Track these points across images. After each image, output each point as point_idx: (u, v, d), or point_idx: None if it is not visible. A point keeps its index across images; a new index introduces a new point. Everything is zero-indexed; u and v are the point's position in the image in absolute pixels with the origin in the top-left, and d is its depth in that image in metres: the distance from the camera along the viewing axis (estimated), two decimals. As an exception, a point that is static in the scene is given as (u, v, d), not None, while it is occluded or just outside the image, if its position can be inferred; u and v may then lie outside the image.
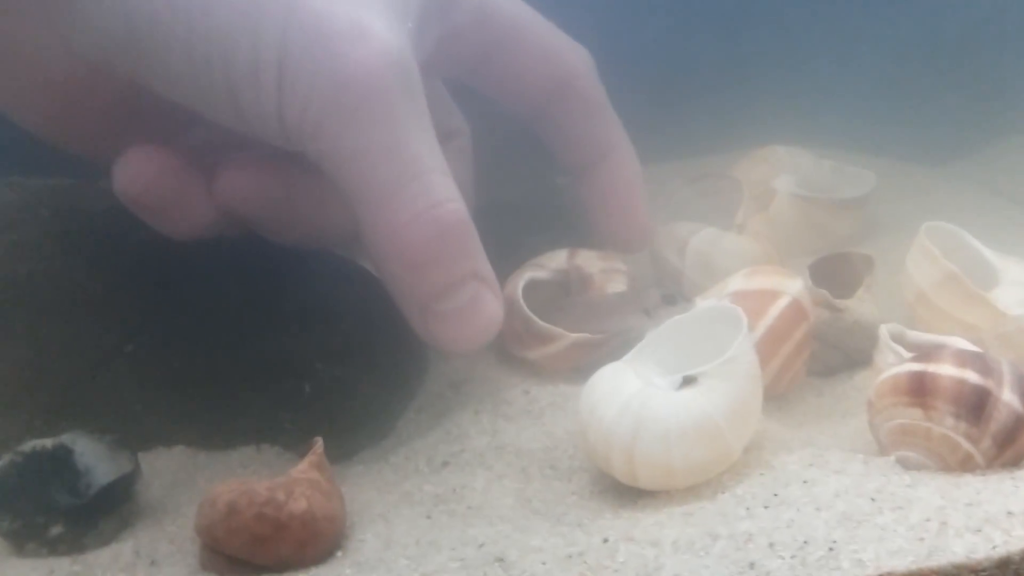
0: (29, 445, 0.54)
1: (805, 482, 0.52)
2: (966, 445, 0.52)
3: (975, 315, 0.65)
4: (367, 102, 0.55)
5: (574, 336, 0.67)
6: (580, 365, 0.68)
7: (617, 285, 0.70)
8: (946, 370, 0.52)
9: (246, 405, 0.62)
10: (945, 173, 1.01)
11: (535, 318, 0.67)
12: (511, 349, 0.69)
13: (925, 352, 0.55)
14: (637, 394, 0.55)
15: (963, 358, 0.53)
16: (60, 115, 0.63)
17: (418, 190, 0.56)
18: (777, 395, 0.64)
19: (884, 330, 0.59)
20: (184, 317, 0.63)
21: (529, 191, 0.84)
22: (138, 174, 0.60)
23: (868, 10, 1.01)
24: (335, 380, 0.62)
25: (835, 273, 0.69)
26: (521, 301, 0.68)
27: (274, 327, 0.63)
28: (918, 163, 1.01)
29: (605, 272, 0.71)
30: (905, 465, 0.54)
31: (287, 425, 0.62)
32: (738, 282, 0.65)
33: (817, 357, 0.66)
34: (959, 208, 0.85)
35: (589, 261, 0.72)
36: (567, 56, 0.70)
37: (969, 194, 0.94)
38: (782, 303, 0.63)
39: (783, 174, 0.84)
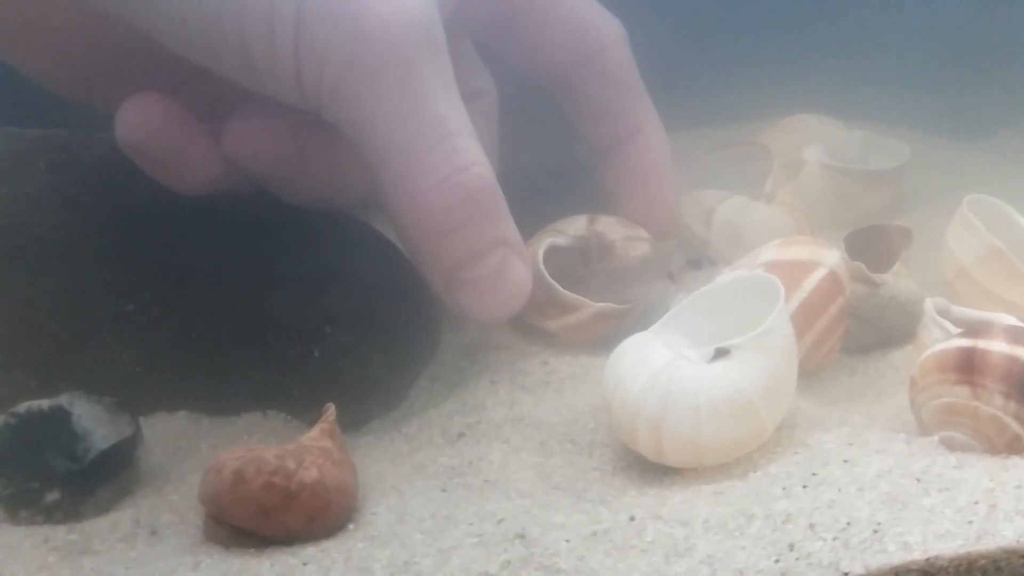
0: (24, 406, 0.51)
1: (845, 461, 0.49)
2: (1015, 426, 0.49)
3: (1018, 293, 0.62)
4: (389, 62, 0.52)
5: (598, 305, 0.64)
6: (602, 336, 0.65)
7: (639, 252, 0.67)
8: (998, 347, 0.49)
9: (252, 369, 0.59)
10: (978, 147, 0.98)
11: (557, 286, 0.64)
12: (530, 319, 0.66)
13: (974, 328, 0.52)
14: (666, 366, 0.52)
15: (1016, 335, 0.50)
16: (63, 62, 0.60)
17: (442, 154, 0.54)
18: (808, 372, 0.61)
19: (930, 304, 0.56)
20: (188, 277, 0.60)
21: (551, 156, 0.81)
22: (142, 122, 0.57)
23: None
24: (345, 345, 0.59)
25: (870, 245, 0.66)
26: (542, 268, 0.65)
27: (282, 289, 0.60)
28: (950, 137, 0.97)
29: (627, 239, 0.68)
30: (949, 446, 0.51)
31: (294, 391, 0.59)
32: (771, 252, 0.61)
33: (850, 334, 0.63)
34: (995, 182, 0.82)
35: (610, 227, 0.68)
36: (598, 25, 0.67)
37: (1005, 168, 0.91)
38: (819, 274, 0.59)
39: (813, 143, 0.81)
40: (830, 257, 0.60)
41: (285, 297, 0.60)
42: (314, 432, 0.49)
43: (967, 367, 0.49)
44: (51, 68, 0.60)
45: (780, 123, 0.86)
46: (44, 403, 0.51)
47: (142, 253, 0.61)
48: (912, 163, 0.83)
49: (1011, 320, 0.55)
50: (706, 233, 0.71)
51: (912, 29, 0.97)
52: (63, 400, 0.51)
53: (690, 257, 0.66)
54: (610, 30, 0.67)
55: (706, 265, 0.66)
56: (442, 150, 0.54)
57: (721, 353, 0.53)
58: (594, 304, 0.64)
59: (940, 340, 0.53)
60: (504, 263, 0.57)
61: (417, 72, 0.53)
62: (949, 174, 0.89)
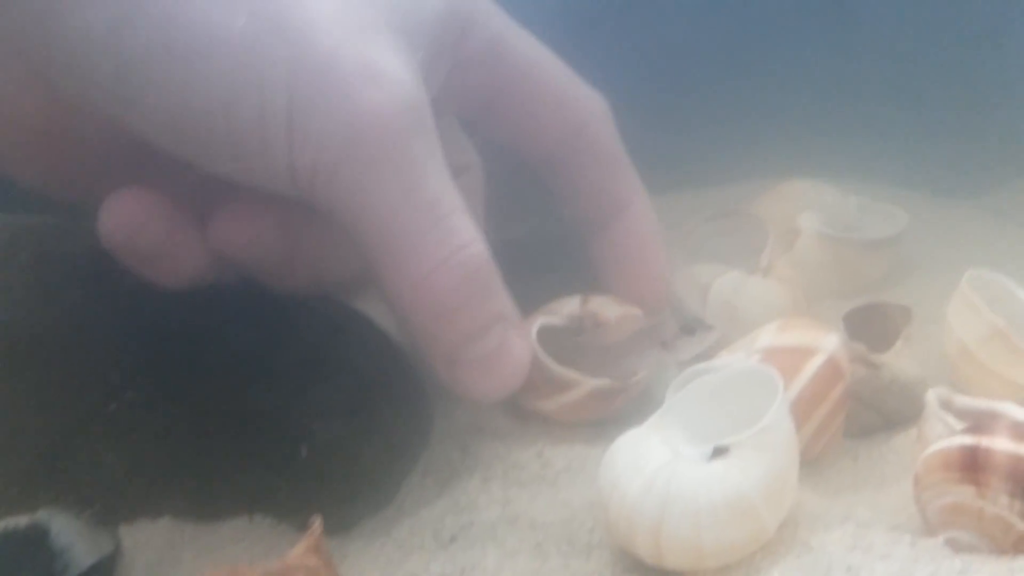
0: (0, 525, 0.49)
1: (849, 568, 0.48)
2: (1021, 526, 0.48)
3: (1022, 373, 0.60)
4: (383, 148, 0.52)
5: (593, 382, 0.62)
6: (600, 417, 0.64)
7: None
8: (1001, 444, 0.48)
9: (238, 470, 0.57)
10: (977, 207, 0.96)
11: (551, 362, 0.63)
12: (524, 401, 0.64)
13: (977, 423, 0.50)
14: (663, 467, 0.51)
15: (1020, 431, 0.48)
16: (37, 156, 0.59)
17: (441, 235, 0.53)
18: (810, 460, 0.59)
19: (932, 396, 0.54)
20: (172, 373, 0.59)
21: (542, 227, 0.80)
22: (125, 218, 0.56)
23: (895, 40, 0.96)
24: (334, 442, 0.58)
25: (870, 323, 0.65)
26: (537, 345, 0.63)
27: (268, 384, 0.59)
28: (948, 196, 0.96)
29: (621, 318, 0.67)
30: (955, 547, 0.49)
31: (282, 493, 0.57)
32: (769, 337, 0.60)
33: (852, 417, 0.61)
34: (996, 247, 0.81)
35: (604, 306, 0.67)
36: (582, 102, 0.66)
37: (1006, 231, 0.90)
38: (817, 361, 0.58)
39: (807, 211, 0.80)
40: (829, 342, 0.59)
41: (272, 393, 0.59)
42: (299, 549, 0.48)
43: (971, 466, 0.48)
44: (18, 160, 0.59)
45: (774, 189, 0.84)
46: (22, 521, 0.49)
47: (126, 349, 0.59)
48: (910, 227, 0.81)
49: (1016, 411, 0.54)
50: (702, 311, 0.70)
51: (905, 86, 0.96)
52: (41, 517, 0.50)
53: (683, 323, 0.65)
54: (593, 106, 0.66)
55: (700, 329, 0.65)
56: (440, 231, 0.53)
57: (720, 451, 0.52)
58: (590, 380, 0.62)
59: (943, 435, 0.51)
60: (504, 340, 0.56)
61: (411, 155, 0.53)
62: (948, 237, 0.87)
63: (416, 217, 0.52)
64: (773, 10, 0.95)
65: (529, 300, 0.71)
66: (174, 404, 0.58)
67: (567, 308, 0.68)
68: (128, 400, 0.58)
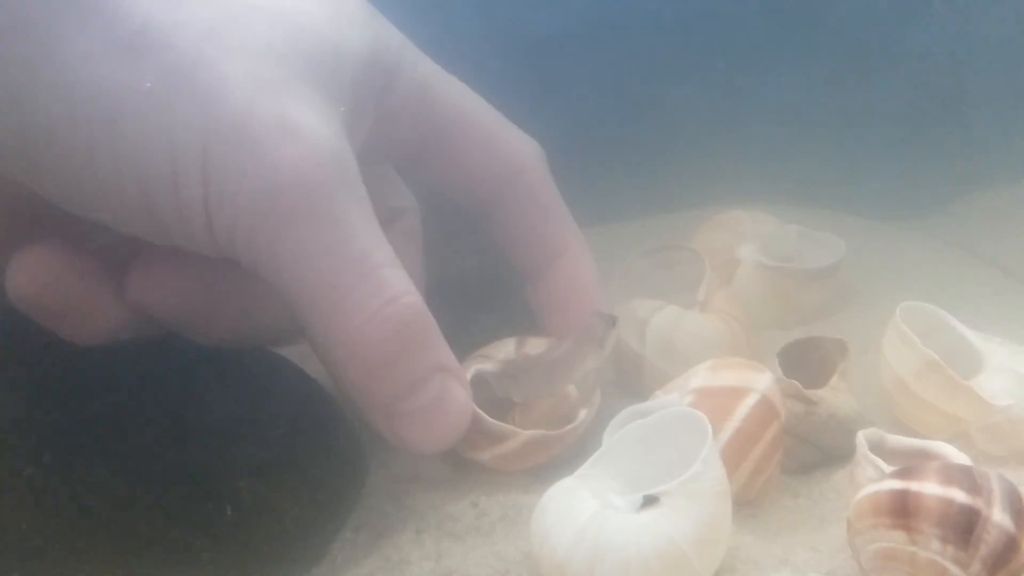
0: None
1: (783, 619, 0.47)
2: (954, 570, 0.47)
3: (958, 405, 0.60)
4: (303, 204, 0.50)
5: (527, 433, 0.61)
6: (537, 464, 0.63)
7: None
8: (931, 488, 0.47)
9: (158, 531, 0.55)
10: (915, 229, 0.97)
11: (484, 415, 0.61)
12: (460, 450, 0.63)
13: (907, 465, 0.50)
14: (593, 519, 0.50)
15: (949, 474, 0.48)
16: None
17: (370, 289, 0.52)
18: (749, 501, 0.58)
19: (862, 438, 0.53)
20: (90, 433, 0.56)
21: (481, 264, 0.79)
22: (34, 275, 0.54)
23: (833, 62, 0.96)
24: (261, 500, 0.56)
25: (806, 358, 0.64)
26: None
27: (192, 440, 0.57)
28: (886, 220, 0.96)
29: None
30: (890, 592, 0.48)
31: (206, 554, 0.55)
32: (702, 377, 0.59)
33: (791, 454, 0.61)
34: (934, 272, 0.81)
35: (540, 349, 0.66)
36: (514, 148, 0.65)
37: (943, 256, 0.90)
38: (750, 401, 0.57)
39: (746, 242, 0.79)
40: (761, 382, 0.58)
41: (194, 450, 0.57)
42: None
43: (901, 511, 0.47)
44: None
45: (712, 219, 0.84)
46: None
47: (41, 410, 0.57)
48: (850, 253, 0.81)
49: (947, 451, 0.53)
50: (640, 347, 0.69)
51: (843, 111, 0.97)
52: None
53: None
54: (528, 152, 0.65)
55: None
56: (369, 284, 0.52)
57: (650, 500, 0.51)
58: (523, 432, 0.61)
59: (873, 479, 0.50)
60: (443, 390, 0.55)
61: (334, 209, 0.51)
62: (888, 263, 0.87)
63: (342, 272, 0.51)
64: (709, 39, 0.94)
65: (468, 339, 0.70)
66: (92, 466, 0.56)
67: (502, 352, 0.66)
68: (44, 463, 0.56)
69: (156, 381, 0.59)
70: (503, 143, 0.64)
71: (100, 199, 0.50)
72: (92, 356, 0.57)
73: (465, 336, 0.72)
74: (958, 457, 0.53)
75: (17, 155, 0.49)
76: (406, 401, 0.54)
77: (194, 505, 0.56)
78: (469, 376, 0.64)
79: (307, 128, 0.51)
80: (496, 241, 0.68)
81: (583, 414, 0.64)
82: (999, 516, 0.47)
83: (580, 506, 0.51)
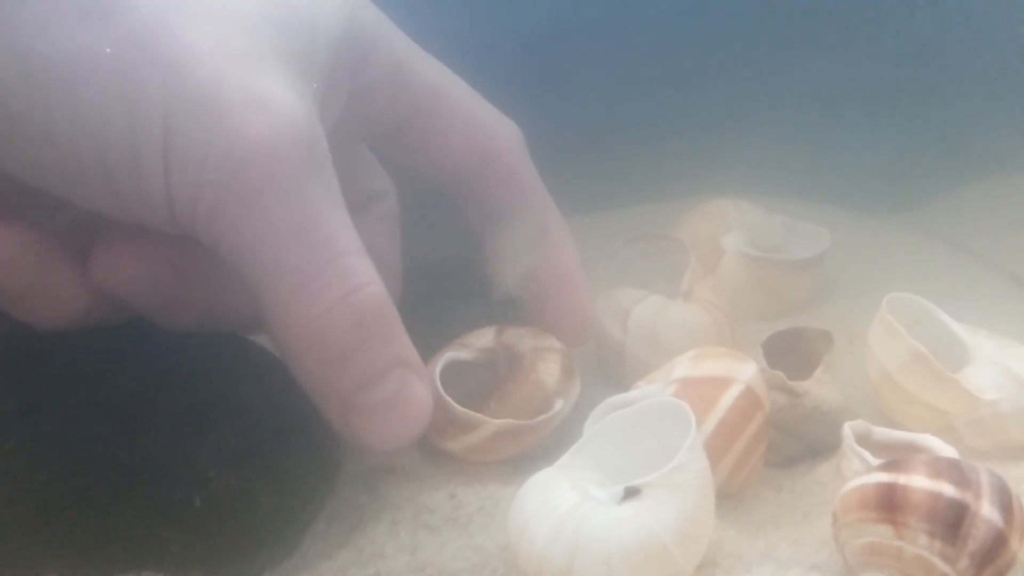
0: None
1: (766, 614, 0.46)
2: (942, 566, 0.46)
3: (945, 399, 0.59)
4: (269, 181, 0.48)
5: (497, 422, 0.60)
6: (512, 455, 0.62)
7: (550, 366, 0.63)
8: (918, 482, 0.46)
9: (125, 524, 0.53)
10: (902, 222, 0.96)
11: (453, 403, 0.60)
12: (432, 440, 0.62)
13: (894, 458, 0.49)
14: (572, 511, 0.48)
15: (937, 467, 0.47)
16: None
17: (333, 276, 0.50)
18: (732, 494, 0.57)
19: (848, 430, 0.52)
20: (54, 420, 0.55)
21: (461, 251, 0.78)
22: None
23: (818, 54, 0.95)
24: (231, 491, 0.54)
25: (791, 349, 0.63)
26: (438, 384, 0.61)
27: (159, 428, 0.55)
28: (873, 212, 0.96)
29: (537, 350, 0.64)
30: (875, 587, 0.47)
31: (173, 547, 0.53)
32: (684, 367, 0.58)
33: (775, 446, 0.60)
34: (920, 266, 0.80)
35: (519, 339, 0.64)
36: (493, 129, 0.63)
37: (932, 247, 0.89)
38: (734, 392, 0.56)
39: (731, 231, 0.78)
40: (745, 372, 0.57)
41: (162, 439, 0.55)
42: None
43: (888, 505, 0.46)
44: None
45: (697, 208, 0.83)
46: None
47: (3, 396, 0.55)
48: (835, 245, 0.80)
49: (934, 443, 0.52)
50: (623, 336, 0.68)
51: (830, 101, 0.96)
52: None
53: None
54: (507, 134, 0.63)
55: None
56: (332, 271, 0.50)
57: (632, 492, 0.49)
58: (493, 421, 0.60)
59: (860, 472, 0.49)
60: (402, 385, 0.53)
61: (300, 190, 0.49)
62: (873, 255, 0.86)
63: (306, 256, 0.49)
64: (697, 28, 0.93)
65: (446, 329, 0.68)
66: (57, 455, 0.54)
67: (481, 341, 0.65)
68: (6, 451, 0.54)
69: (122, 367, 0.57)
70: (481, 124, 0.63)
71: (58, 170, 0.48)
72: (54, 341, 0.55)
73: (444, 325, 0.70)
74: (945, 450, 0.52)
75: None
76: (364, 395, 0.52)
77: (162, 496, 0.54)
78: (440, 365, 0.63)
79: (276, 103, 0.48)
80: (473, 224, 0.66)
81: (559, 404, 0.62)
82: (988, 511, 0.46)
83: (559, 498, 0.49)
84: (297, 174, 0.49)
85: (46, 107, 0.46)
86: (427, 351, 0.62)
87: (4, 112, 0.46)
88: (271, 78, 0.50)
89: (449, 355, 0.63)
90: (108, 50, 0.46)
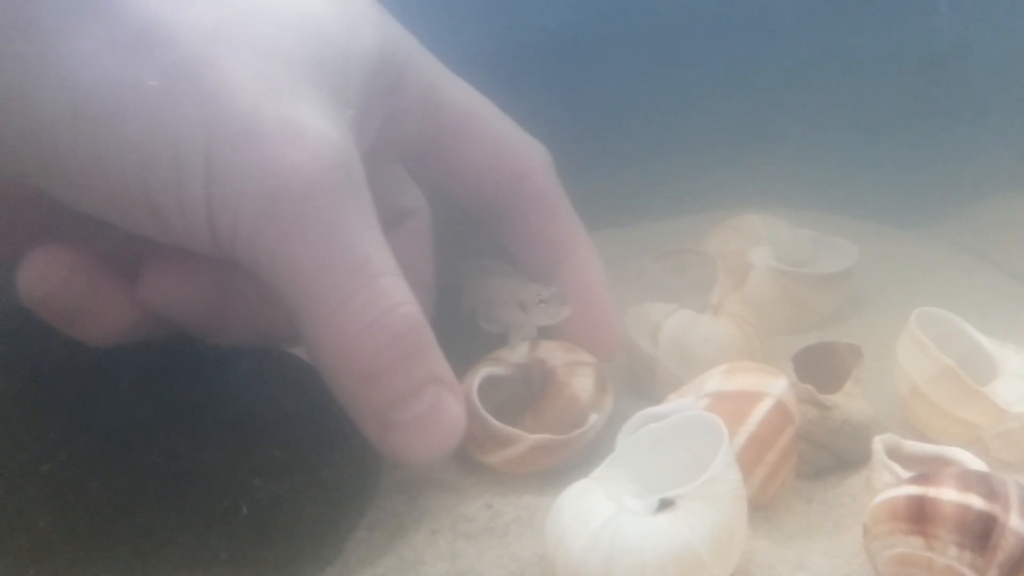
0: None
1: (799, 624, 0.47)
2: (972, 576, 0.47)
3: (974, 412, 0.60)
4: (307, 208, 0.50)
5: (534, 437, 0.61)
6: (548, 467, 0.63)
7: (585, 380, 0.65)
8: (948, 495, 0.47)
9: (175, 532, 0.55)
10: (928, 235, 0.97)
11: (491, 419, 0.61)
12: (471, 453, 0.63)
13: (925, 471, 0.50)
14: (608, 522, 0.50)
15: (966, 480, 0.48)
16: None
17: (368, 297, 0.52)
18: (763, 505, 0.58)
19: (879, 443, 0.53)
20: (106, 431, 0.57)
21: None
22: (45, 276, 0.54)
23: (846, 70, 0.96)
24: (276, 499, 0.56)
25: (821, 362, 0.64)
26: (476, 400, 0.62)
27: (207, 440, 0.57)
28: (899, 226, 0.96)
29: (569, 364, 0.65)
30: (906, 597, 0.48)
31: (221, 553, 0.55)
32: (716, 381, 0.59)
33: (805, 459, 0.61)
34: (947, 279, 0.80)
35: (551, 353, 0.66)
36: (521, 151, 0.65)
37: (956, 262, 0.90)
38: (765, 406, 0.57)
39: (759, 246, 0.79)
40: (776, 386, 0.58)
41: (210, 449, 0.57)
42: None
43: (918, 517, 0.47)
44: None
45: (725, 223, 0.84)
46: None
47: (58, 408, 0.57)
48: (862, 258, 0.81)
49: (963, 457, 0.53)
50: (653, 350, 0.69)
51: (856, 116, 0.96)
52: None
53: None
54: (534, 154, 0.65)
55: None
56: (368, 292, 0.52)
57: (666, 504, 0.51)
58: (530, 436, 0.61)
59: (890, 484, 0.50)
60: (437, 401, 0.55)
61: (336, 214, 0.51)
62: (901, 269, 0.87)
63: (343, 278, 0.51)
64: (720, 43, 0.94)
65: (480, 343, 0.70)
66: (109, 463, 0.56)
67: (514, 355, 0.66)
68: (61, 460, 0.56)
69: (170, 381, 0.59)
70: (509, 145, 0.64)
71: (106, 198, 0.50)
72: (105, 356, 0.58)
73: (476, 339, 0.72)
74: (974, 463, 0.53)
75: (24, 154, 0.50)
76: (399, 411, 0.54)
77: (209, 504, 0.56)
78: (479, 380, 0.64)
79: (313, 131, 0.51)
80: (504, 243, 0.68)
81: (593, 418, 0.64)
82: (1016, 522, 0.47)
83: (595, 508, 0.51)
84: (333, 199, 0.51)
85: (93, 139, 0.48)
86: (464, 360, 0.63)
87: (54, 143, 0.48)
88: (307, 107, 0.51)
89: (485, 371, 0.64)
90: (152, 83, 0.48)
